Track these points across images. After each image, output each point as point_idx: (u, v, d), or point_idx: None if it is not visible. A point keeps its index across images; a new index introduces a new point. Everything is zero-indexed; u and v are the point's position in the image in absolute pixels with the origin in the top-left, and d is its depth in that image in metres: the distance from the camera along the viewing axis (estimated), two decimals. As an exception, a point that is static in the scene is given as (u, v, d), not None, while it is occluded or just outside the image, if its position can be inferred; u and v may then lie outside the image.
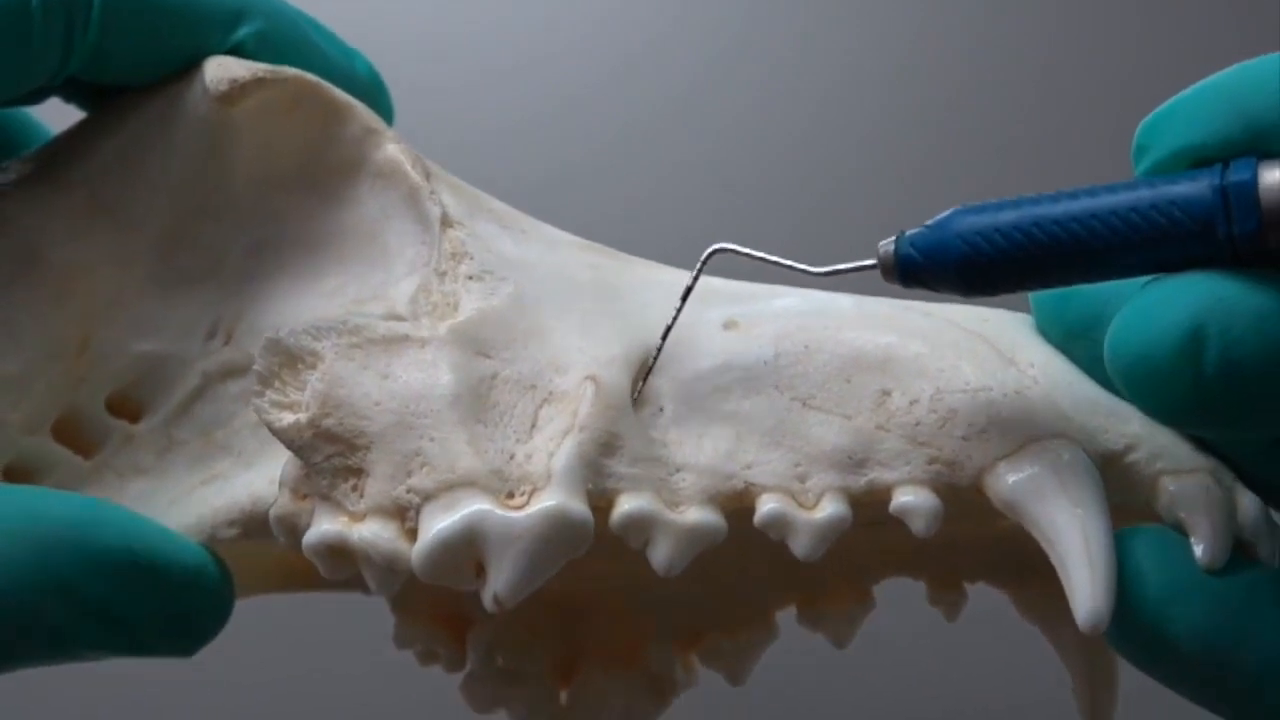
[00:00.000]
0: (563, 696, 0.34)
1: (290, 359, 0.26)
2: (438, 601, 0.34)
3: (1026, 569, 0.31)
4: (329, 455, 0.26)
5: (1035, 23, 0.63)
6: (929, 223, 0.25)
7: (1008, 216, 0.24)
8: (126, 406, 0.31)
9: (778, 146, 0.61)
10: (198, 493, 0.29)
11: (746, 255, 0.27)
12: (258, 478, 0.29)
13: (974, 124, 0.61)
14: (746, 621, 0.34)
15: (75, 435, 0.31)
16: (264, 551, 0.31)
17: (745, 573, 0.33)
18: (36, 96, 0.32)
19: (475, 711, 0.34)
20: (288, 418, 0.26)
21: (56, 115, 0.33)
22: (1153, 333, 0.24)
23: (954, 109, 0.62)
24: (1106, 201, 0.24)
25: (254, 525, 0.28)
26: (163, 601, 0.27)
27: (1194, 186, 0.24)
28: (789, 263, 0.27)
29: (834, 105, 0.61)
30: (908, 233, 0.25)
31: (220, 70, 0.29)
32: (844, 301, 0.29)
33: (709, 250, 0.27)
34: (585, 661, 0.34)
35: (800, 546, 0.26)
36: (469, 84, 0.60)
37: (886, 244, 0.26)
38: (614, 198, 0.60)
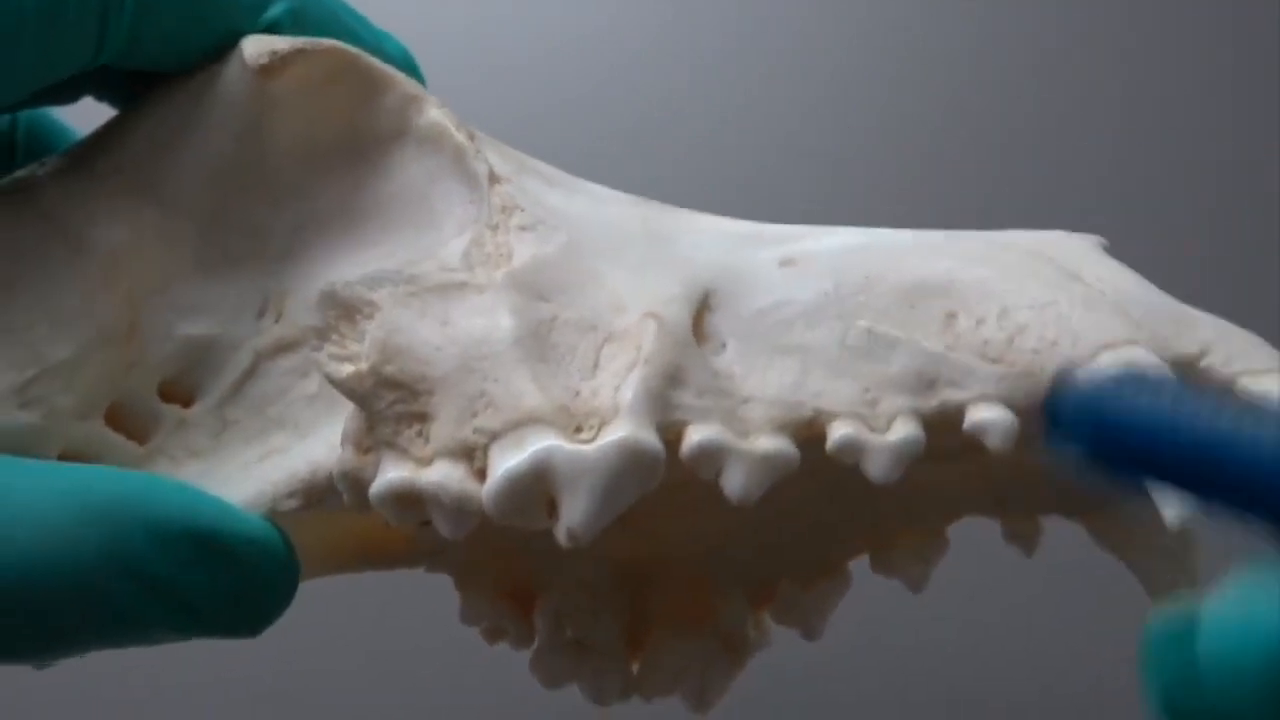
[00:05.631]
0: (634, 668, 0.33)
1: (347, 310, 0.26)
2: (502, 577, 0.33)
3: (1099, 496, 0.31)
4: (391, 402, 0.25)
5: (1037, 22, 0.63)
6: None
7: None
8: (178, 392, 0.30)
9: (778, 146, 0.61)
10: (255, 469, 0.29)
11: None
12: (315, 446, 0.28)
13: (975, 124, 0.61)
14: (819, 572, 0.33)
15: (127, 421, 0.30)
16: (318, 529, 0.31)
17: (815, 521, 0.32)
18: (70, 93, 0.32)
19: (545, 687, 0.33)
20: (348, 368, 0.26)
21: (84, 120, 0.33)
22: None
23: (955, 109, 0.62)
24: None
25: (314, 493, 0.28)
26: (228, 575, 0.27)
27: None
28: None
29: (834, 105, 0.61)
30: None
31: (260, 44, 0.29)
32: (901, 234, 0.28)
33: None
34: (655, 629, 0.33)
35: (876, 469, 0.25)
36: (469, 84, 0.60)
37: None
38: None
